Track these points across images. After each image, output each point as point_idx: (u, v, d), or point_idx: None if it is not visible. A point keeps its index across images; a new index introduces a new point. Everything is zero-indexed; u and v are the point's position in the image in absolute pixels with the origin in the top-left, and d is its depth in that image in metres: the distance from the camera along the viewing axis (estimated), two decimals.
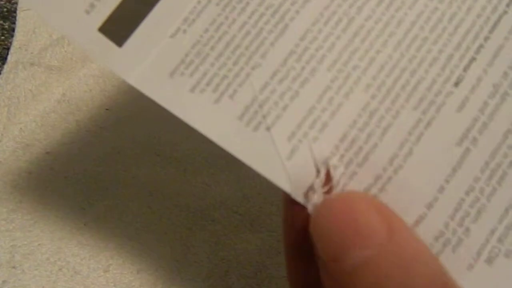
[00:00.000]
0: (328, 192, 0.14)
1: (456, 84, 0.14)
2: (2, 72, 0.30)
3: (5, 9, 0.32)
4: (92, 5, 0.14)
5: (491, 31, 0.15)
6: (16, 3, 0.33)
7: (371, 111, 0.14)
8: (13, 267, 0.26)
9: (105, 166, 0.28)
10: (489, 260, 0.13)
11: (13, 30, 0.32)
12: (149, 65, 0.14)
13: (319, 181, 0.14)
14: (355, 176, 0.14)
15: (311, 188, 0.14)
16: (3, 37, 0.31)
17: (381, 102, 0.14)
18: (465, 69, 0.15)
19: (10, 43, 0.31)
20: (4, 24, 0.32)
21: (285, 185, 0.14)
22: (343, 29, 0.15)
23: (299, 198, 0.14)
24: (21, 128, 0.29)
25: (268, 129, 0.14)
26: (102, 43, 0.14)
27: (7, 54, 0.31)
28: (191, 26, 0.15)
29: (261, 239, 0.26)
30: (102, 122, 0.29)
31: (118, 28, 0.14)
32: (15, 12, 0.32)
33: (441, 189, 0.14)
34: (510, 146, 0.14)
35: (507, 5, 0.15)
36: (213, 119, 0.14)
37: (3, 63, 0.30)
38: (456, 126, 0.14)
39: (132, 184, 0.27)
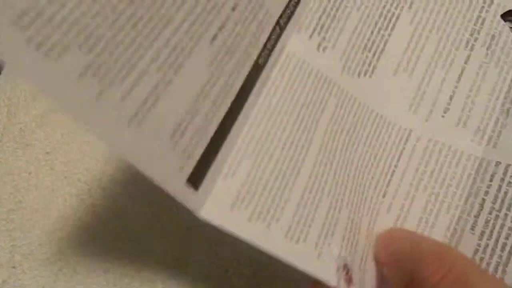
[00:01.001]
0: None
1: None
2: (2, 72, 0.30)
3: None
4: (181, 168, 0.17)
5: None
6: None
7: None
8: (13, 267, 0.26)
9: (105, 166, 0.28)
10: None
11: None
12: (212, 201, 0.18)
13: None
14: None
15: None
16: None
17: None
18: None
19: None
20: None
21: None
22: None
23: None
24: (21, 128, 0.29)
25: (304, 241, 0.19)
26: (187, 191, 0.18)
27: None
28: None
29: None
30: None
31: (197, 177, 0.18)
32: None
33: None
34: None
35: None
36: (269, 239, 0.19)
37: (3, 63, 0.30)
38: None
39: (132, 184, 0.27)
